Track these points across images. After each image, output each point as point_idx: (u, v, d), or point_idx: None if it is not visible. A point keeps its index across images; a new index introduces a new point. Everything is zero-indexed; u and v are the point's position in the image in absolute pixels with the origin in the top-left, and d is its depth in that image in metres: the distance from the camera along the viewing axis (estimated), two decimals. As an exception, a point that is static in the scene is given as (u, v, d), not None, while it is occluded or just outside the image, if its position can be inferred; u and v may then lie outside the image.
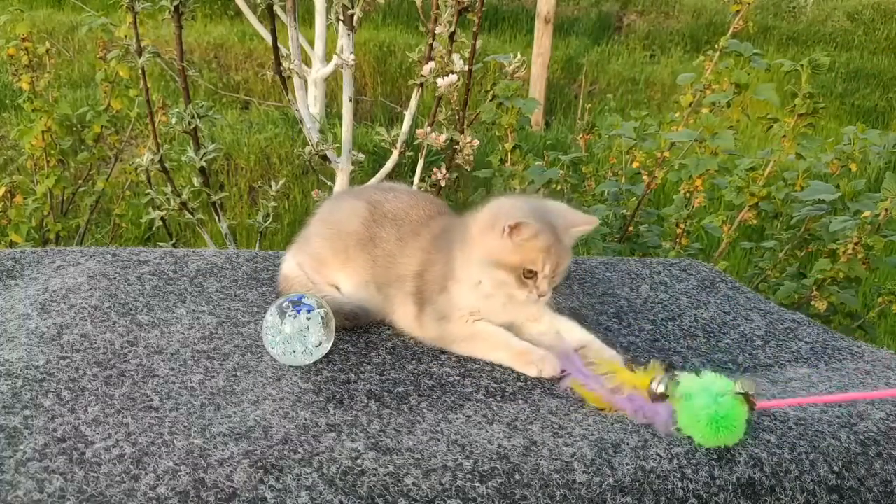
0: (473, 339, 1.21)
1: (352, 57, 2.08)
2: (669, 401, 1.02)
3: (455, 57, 1.96)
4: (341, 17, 2.03)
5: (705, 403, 0.99)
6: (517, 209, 1.14)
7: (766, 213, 2.56)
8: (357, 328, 1.27)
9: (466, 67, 1.97)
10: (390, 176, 2.16)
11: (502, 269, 1.15)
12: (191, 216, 2.16)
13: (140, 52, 2.04)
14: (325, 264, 1.34)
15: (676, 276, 1.64)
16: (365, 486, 0.90)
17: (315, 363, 1.16)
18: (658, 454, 0.99)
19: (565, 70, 7.08)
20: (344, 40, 2.09)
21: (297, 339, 1.13)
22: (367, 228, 1.30)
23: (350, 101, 2.14)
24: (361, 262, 1.30)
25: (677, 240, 2.62)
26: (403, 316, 1.27)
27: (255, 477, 0.89)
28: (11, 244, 2.61)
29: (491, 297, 1.19)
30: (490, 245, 1.15)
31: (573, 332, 1.22)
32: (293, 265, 1.37)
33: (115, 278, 1.38)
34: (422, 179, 2.13)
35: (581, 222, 1.19)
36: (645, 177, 2.69)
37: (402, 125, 2.09)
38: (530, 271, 1.14)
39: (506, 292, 1.17)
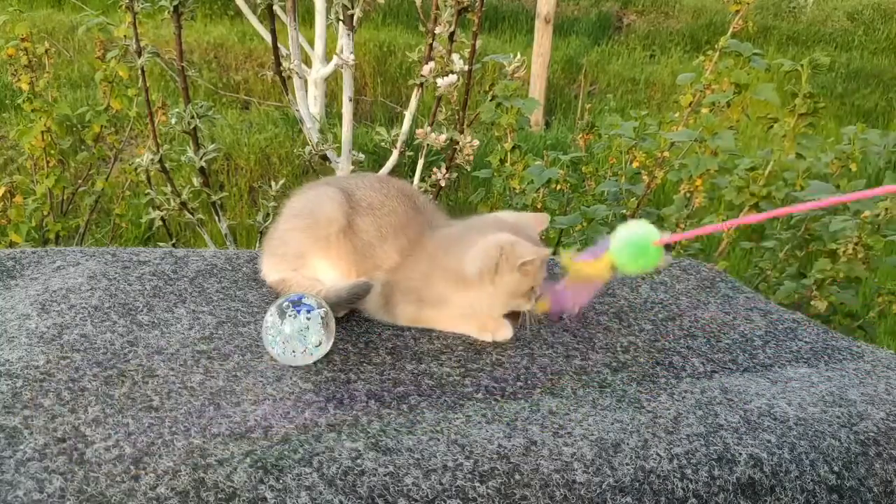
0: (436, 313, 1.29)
1: (352, 57, 2.08)
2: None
3: (455, 57, 1.96)
4: (341, 17, 2.02)
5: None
6: (520, 246, 1.23)
7: (767, 212, 2.55)
8: (357, 328, 1.27)
9: (466, 67, 1.96)
10: (390, 176, 2.16)
11: (518, 298, 1.26)
12: (191, 216, 2.15)
13: (139, 52, 2.03)
14: (304, 258, 1.33)
15: (676, 276, 1.64)
16: (365, 486, 0.90)
17: (315, 363, 1.16)
18: (658, 454, 1.00)
19: (565, 70, 7.07)
20: (344, 40, 2.09)
21: (297, 339, 1.13)
22: (346, 215, 1.31)
23: (350, 101, 2.14)
24: (344, 250, 1.30)
25: (677, 240, 2.62)
26: (374, 303, 1.30)
27: (255, 477, 0.89)
28: (11, 244, 2.61)
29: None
30: (504, 284, 1.24)
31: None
32: (273, 271, 1.37)
33: (115, 278, 1.38)
34: (422, 179, 2.13)
35: (541, 223, 1.36)
36: (645, 177, 2.68)
37: (402, 125, 2.09)
38: (533, 288, 1.26)
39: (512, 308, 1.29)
